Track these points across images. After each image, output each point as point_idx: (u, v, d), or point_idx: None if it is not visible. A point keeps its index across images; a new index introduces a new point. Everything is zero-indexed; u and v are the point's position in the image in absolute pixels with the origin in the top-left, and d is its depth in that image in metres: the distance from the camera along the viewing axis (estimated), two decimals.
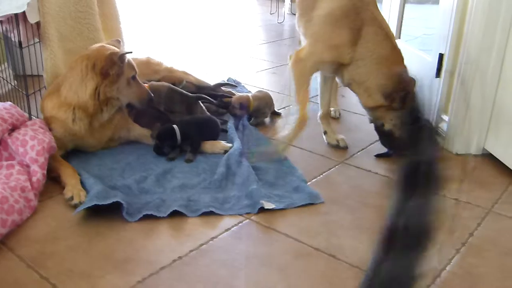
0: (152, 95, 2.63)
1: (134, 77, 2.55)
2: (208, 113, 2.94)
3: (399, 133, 2.55)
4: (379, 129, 2.66)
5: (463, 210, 2.20)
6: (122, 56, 2.43)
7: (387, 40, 2.51)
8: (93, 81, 2.42)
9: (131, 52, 2.54)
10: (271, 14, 7.32)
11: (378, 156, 2.69)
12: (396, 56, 2.53)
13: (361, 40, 2.49)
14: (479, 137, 2.72)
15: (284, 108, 3.31)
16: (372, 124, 2.69)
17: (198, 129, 2.64)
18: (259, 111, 3.06)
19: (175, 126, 2.58)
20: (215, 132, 2.73)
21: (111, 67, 2.42)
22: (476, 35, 2.57)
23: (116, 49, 2.51)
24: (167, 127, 2.61)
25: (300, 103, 2.66)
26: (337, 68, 2.61)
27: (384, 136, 2.65)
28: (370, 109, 2.62)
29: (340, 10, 2.51)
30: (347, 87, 2.70)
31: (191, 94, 2.92)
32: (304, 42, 2.82)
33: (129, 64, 2.51)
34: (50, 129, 2.47)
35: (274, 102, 3.23)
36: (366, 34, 2.48)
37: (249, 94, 3.08)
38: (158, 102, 2.80)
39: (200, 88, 3.21)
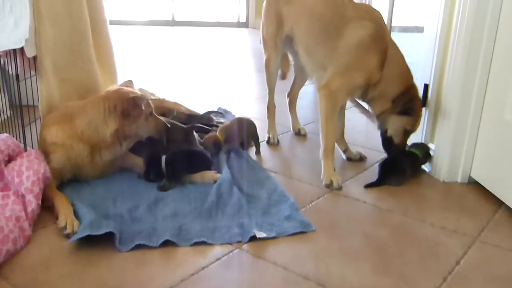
0: (168, 125, 2.72)
1: (151, 113, 2.64)
2: (200, 141, 2.99)
3: (397, 140, 2.82)
4: (383, 134, 2.89)
5: (449, 238, 2.24)
6: (144, 100, 2.54)
7: (403, 58, 2.77)
8: (115, 122, 2.51)
9: (153, 99, 2.68)
10: (260, 43, 7.41)
11: (367, 186, 2.73)
12: (409, 72, 2.79)
13: (387, 61, 2.70)
14: (465, 165, 2.78)
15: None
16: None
17: (185, 161, 2.67)
18: (230, 141, 3.06)
19: (163, 155, 2.64)
20: (204, 165, 2.75)
21: (133, 109, 2.52)
22: (459, 65, 2.64)
23: (138, 93, 2.61)
24: (155, 155, 2.67)
25: (329, 134, 2.78)
26: (365, 90, 2.80)
27: (385, 141, 2.89)
28: (378, 116, 2.86)
29: (369, 37, 2.69)
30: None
31: (185, 126, 2.97)
32: (317, 69, 2.94)
33: (147, 103, 2.60)
34: (49, 159, 2.51)
35: (252, 128, 3.22)
36: (390, 55, 2.71)
37: (217, 131, 3.08)
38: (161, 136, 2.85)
39: (191, 118, 3.27)
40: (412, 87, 2.79)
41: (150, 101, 2.63)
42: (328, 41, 2.82)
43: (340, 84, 2.74)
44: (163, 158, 2.63)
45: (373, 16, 2.78)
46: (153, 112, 2.67)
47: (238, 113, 3.90)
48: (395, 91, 2.77)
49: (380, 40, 2.72)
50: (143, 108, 2.56)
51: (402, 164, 2.80)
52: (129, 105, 2.51)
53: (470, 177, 2.80)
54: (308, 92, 3.83)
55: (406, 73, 2.79)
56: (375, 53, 2.70)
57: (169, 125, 2.74)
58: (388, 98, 2.79)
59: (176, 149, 2.76)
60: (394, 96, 2.77)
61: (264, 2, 3.32)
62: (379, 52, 2.71)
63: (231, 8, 10.33)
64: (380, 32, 2.73)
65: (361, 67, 2.72)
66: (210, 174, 2.68)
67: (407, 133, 2.86)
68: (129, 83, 2.85)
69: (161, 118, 2.77)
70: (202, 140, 3.02)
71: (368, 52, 2.71)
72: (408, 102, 2.75)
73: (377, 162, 2.92)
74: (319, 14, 2.88)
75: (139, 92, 2.65)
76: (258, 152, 3.17)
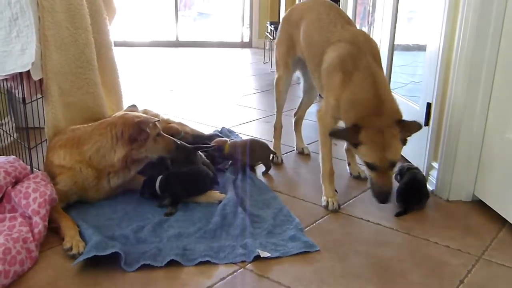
0: (178, 142, 2.74)
1: (159, 134, 2.67)
2: (206, 161, 3.00)
3: (371, 175, 2.55)
4: None
5: (453, 257, 2.24)
6: (149, 124, 2.57)
7: (373, 87, 2.51)
8: (123, 148, 2.55)
9: (158, 120, 2.69)
10: (264, 63, 7.48)
11: (398, 215, 2.64)
12: (375, 102, 2.48)
13: (350, 83, 2.58)
14: (468, 183, 2.79)
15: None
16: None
17: (182, 182, 2.68)
18: (231, 158, 3.08)
19: (159, 177, 2.66)
20: (203, 185, 2.75)
21: (139, 134, 2.56)
22: (461, 84, 2.66)
23: (142, 116, 2.64)
24: (150, 176, 2.70)
25: (324, 157, 2.80)
26: None
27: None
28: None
29: (338, 59, 2.67)
30: None
31: (189, 146, 2.99)
32: (321, 91, 2.97)
33: (153, 125, 2.63)
34: (55, 181, 2.53)
35: (266, 151, 3.22)
36: (354, 79, 2.58)
37: (230, 140, 3.17)
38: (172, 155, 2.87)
39: (196, 138, 3.29)
40: (365, 117, 2.47)
41: (157, 124, 2.66)
42: (316, 68, 2.88)
43: (324, 108, 2.77)
44: (158, 179, 2.65)
45: (353, 38, 2.71)
46: (161, 132, 2.70)
47: (240, 132, 3.94)
48: (350, 118, 2.53)
49: (349, 61, 2.62)
50: (149, 131, 2.59)
51: (423, 186, 2.77)
52: (134, 130, 2.54)
53: (473, 195, 2.80)
54: (311, 112, 3.84)
55: (360, 102, 2.51)
56: (339, 72, 2.63)
57: (178, 142, 2.76)
58: (347, 123, 2.59)
59: (172, 171, 2.78)
60: (349, 123, 2.55)
61: (280, 23, 3.40)
62: (343, 72, 2.61)
63: (235, 28, 10.42)
64: (352, 54, 2.63)
65: (330, 87, 2.71)
66: (215, 194, 2.70)
67: (373, 167, 2.48)
68: (133, 107, 2.90)
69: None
70: (211, 143, 3.08)
71: (334, 71, 2.68)
72: (347, 130, 2.53)
73: None
74: (315, 43, 2.91)
75: (144, 115, 2.67)
76: (265, 173, 3.20)
